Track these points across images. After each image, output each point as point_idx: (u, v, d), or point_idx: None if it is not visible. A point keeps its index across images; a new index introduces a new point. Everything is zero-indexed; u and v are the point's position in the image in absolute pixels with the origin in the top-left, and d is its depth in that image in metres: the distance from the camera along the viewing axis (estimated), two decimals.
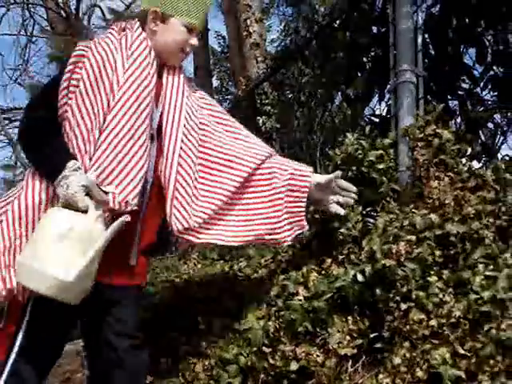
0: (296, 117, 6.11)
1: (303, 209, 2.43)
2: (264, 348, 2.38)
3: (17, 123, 9.58)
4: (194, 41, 2.18)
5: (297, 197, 2.40)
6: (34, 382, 1.99)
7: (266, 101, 6.14)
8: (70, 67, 2.02)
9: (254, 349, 2.41)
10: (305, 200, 2.42)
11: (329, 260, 2.73)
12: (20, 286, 1.90)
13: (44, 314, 1.98)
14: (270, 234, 2.38)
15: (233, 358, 2.47)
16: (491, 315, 2.17)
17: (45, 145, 1.98)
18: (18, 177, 10.00)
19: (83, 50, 2.04)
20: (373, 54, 4.84)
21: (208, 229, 2.29)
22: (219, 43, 13.42)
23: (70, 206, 1.87)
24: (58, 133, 2.02)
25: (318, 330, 2.36)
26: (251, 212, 2.36)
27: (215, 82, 11.90)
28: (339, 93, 5.24)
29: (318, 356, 2.27)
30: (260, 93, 6.19)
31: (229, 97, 11.35)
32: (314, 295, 2.40)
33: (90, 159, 1.97)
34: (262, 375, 2.34)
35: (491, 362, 2.08)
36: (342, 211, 2.55)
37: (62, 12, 8.51)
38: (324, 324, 2.36)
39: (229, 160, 2.33)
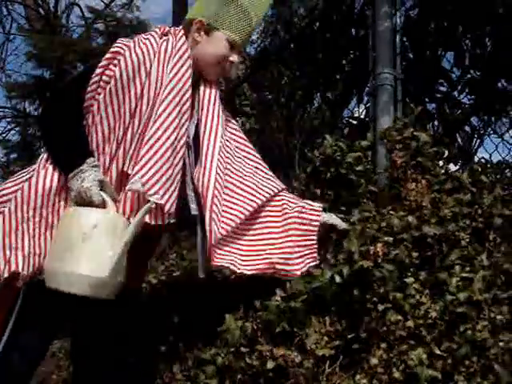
0: (275, 118, 6.11)
1: (315, 242, 2.42)
2: (241, 348, 2.37)
3: None
4: (235, 58, 2.18)
5: (307, 230, 2.38)
6: (22, 375, 1.97)
7: (246, 102, 6.15)
8: (104, 62, 1.99)
9: (232, 349, 2.40)
10: (315, 233, 2.42)
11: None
12: (24, 269, 1.89)
13: (35, 304, 1.96)
14: (282, 264, 2.36)
15: (210, 358, 2.46)
16: (467, 316, 2.19)
17: (66, 134, 1.96)
18: None
19: (121, 48, 2.02)
20: (352, 56, 4.86)
21: (223, 251, 2.30)
22: None
23: (81, 200, 1.87)
24: (80, 125, 1.99)
25: (295, 330, 2.35)
26: (264, 242, 2.36)
27: None
28: (318, 95, 5.26)
29: (295, 356, 2.27)
30: (239, 94, 6.20)
31: None
32: (291, 296, 2.40)
33: (111, 160, 1.96)
34: (240, 375, 2.34)
35: (467, 362, 2.10)
36: (343, 225, 2.54)
37: (41, 10, 8.43)
38: (301, 325, 2.36)
39: (248, 186, 2.35)
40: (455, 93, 4.90)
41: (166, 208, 2.01)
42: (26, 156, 7.60)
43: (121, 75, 1.98)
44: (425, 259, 2.48)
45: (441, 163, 2.98)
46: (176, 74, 2.03)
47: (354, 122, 4.84)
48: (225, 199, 2.25)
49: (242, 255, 2.33)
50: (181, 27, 2.19)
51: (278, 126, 5.96)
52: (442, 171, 2.90)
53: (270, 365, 2.26)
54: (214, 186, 2.15)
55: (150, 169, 1.97)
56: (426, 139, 2.93)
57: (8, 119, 9.35)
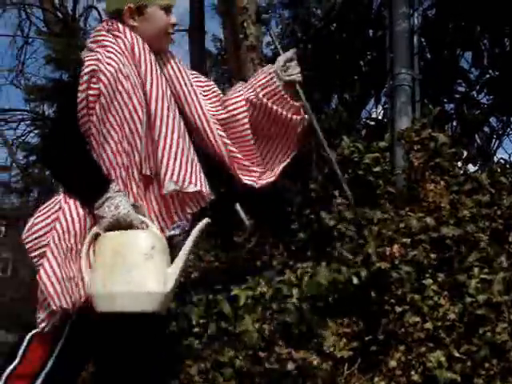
0: None
1: None
2: (259, 351, 2.37)
3: (13, 124, 9.56)
4: (173, 19, 2.18)
5: None
6: None
7: None
8: (84, 86, 1.97)
9: (250, 352, 2.40)
10: None
11: (324, 262, 2.72)
12: (81, 298, 1.92)
13: (81, 332, 1.99)
14: None
15: (228, 360, 2.46)
16: (486, 318, 2.17)
17: (77, 166, 1.97)
18: (14, 178, 9.98)
19: (94, 65, 1.99)
20: (369, 56, 4.84)
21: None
22: (215, 45, 13.40)
23: (117, 226, 1.90)
24: (87, 152, 2.00)
25: (313, 332, 2.35)
26: None
27: None
28: (335, 96, 5.25)
29: (313, 359, 2.26)
30: None
31: None
32: (309, 298, 2.40)
33: (126, 171, 1.98)
34: (257, 378, 2.34)
35: (486, 365, 2.09)
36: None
37: (59, 13, 8.50)
38: (319, 327, 2.36)
39: None
40: (474, 93, 4.87)
41: (204, 190, 2.11)
42: None
43: (106, 88, 1.97)
44: (443, 260, 2.46)
45: (459, 164, 2.96)
46: (147, 65, 2.05)
47: (372, 123, 4.82)
48: None
49: None
50: (114, 22, 2.12)
51: None
52: (461, 172, 2.88)
53: (290, 366, 2.25)
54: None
55: (173, 166, 2.01)
56: (445, 140, 2.91)
57: (27, 122, 9.45)
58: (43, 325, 1.98)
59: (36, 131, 9.03)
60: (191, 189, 2.03)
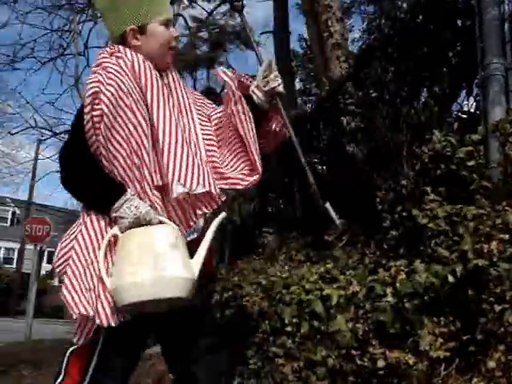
0: (381, 115, 6.00)
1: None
2: (352, 350, 2.35)
3: None
4: (175, 31, 2.24)
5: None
6: None
7: (350, 100, 6.08)
8: (88, 108, 2.04)
9: (343, 351, 2.39)
10: None
11: (418, 260, 2.67)
12: (108, 307, 1.96)
13: (114, 345, 2.06)
14: None
15: (321, 360, 2.45)
16: None
17: (93, 181, 2.08)
18: None
19: (96, 87, 2.05)
20: (458, 47, 4.69)
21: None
22: (301, 45, 13.43)
23: (137, 225, 1.99)
24: (100, 169, 2.07)
25: (408, 331, 2.30)
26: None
27: (298, 85, 11.91)
28: (425, 89, 5.12)
29: (409, 358, 2.22)
30: (343, 93, 6.14)
31: (312, 98, 11.33)
32: (403, 296, 2.35)
33: (140, 183, 2.04)
34: (351, 377, 2.32)
35: None
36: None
37: None
38: (415, 326, 2.31)
39: None
40: None
41: (213, 192, 2.09)
42: None
43: (108, 108, 2.02)
44: None
45: None
46: (147, 79, 2.09)
47: (464, 116, 4.67)
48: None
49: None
50: (116, 46, 2.18)
51: (384, 124, 5.86)
52: None
53: (380, 363, 2.22)
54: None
55: (180, 170, 2.04)
56: None
57: None
58: (76, 338, 2.06)
59: None
60: (199, 190, 2.03)
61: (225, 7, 8.52)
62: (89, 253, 2.04)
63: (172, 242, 1.95)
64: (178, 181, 2.03)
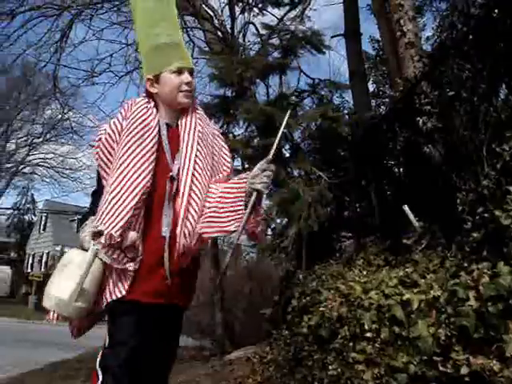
0: (458, 114, 5.85)
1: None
2: (435, 356, 2.29)
3: None
4: (186, 77, 2.46)
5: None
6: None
7: (425, 100, 5.95)
8: (96, 156, 2.46)
9: (424, 357, 2.33)
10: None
11: (501, 262, 2.58)
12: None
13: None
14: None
15: (402, 366, 2.41)
16: None
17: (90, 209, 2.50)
18: None
19: (99, 135, 2.45)
20: None
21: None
22: (373, 47, 13.27)
23: (82, 244, 2.33)
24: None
25: (492, 337, 2.22)
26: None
27: (371, 87, 11.76)
28: (503, 85, 4.95)
29: (493, 365, 2.14)
30: (418, 93, 6.02)
31: (386, 100, 11.16)
32: (487, 300, 2.27)
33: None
34: None
35: None
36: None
37: (219, 32, 8.86)
38: (499, 331, 2.23)
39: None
40: None
41: (106, 231, 2.26)
42: None
43: (103, 153, 2.43)
44: None
45: None
46: (131, 126, 2.41)
47: None
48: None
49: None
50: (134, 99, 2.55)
51: (461, 123, 5.70)
52: None
53: (464, 370, 2.16)
54: (186, 206, 2.35)
55: (104, 209, 2.32)
56: None
57: None
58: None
59: None
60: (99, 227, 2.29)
61: (295, 12, 8.54)
62: None
63: (64, 263, 2.32)
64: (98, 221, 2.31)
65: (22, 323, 19.52)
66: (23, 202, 40.62)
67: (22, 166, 35.20)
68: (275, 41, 7.67)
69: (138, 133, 2.38)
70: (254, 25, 8.72)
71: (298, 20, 8.31)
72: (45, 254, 35.42)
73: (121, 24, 10.12)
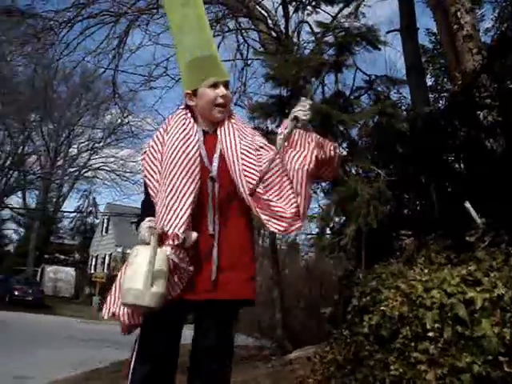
0: None
1: None
2: (500, 356, 2.24)
3: None
4: (222, 90, 2.58)
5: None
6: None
7: (485, 94, 5.81)
8: (143, 168, 2.63)
9: (489, 357, 2.28)
10: None
11: None
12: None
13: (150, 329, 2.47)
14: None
15: (466, 366, 2.36)
16: None
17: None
18: None
19: (145, 148, 2.65)
20: None
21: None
22: (430, 40, 13.02)
23: (143, 241, 2.42)
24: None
25: None
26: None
27: (429, 81, 11.55)
28: None
29: None
30: (478, 86, 5.89)
31: (444, 94, 10.94)
32: None
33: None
34: None
35: None
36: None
37: (273, 32, 8.88)
38: None
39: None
40: None
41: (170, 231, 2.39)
42: None
43: (149, 165, 2.59)
44: None
45: None
46: (171, 136, 2.58)
47: None
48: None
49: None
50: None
51: None
52: None
53: None
54: (246, 193, 2.49)
55: (161, 209, 2.47)
56: None
57: None
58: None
59: None
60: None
61: (349, 9, 8.46)
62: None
63: (130, 259, 2.41)
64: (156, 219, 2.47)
65: (86, 323, 20.06)
66: (85, 205, 41.84)
67: (84, 170, 36.26)
68: (330, 39, 7.61)
69: (181, 141, 2.54)
70: (308, 23, 8.69)
71: (352, 17, 8.23)
72: (107, 256, 36.30)
73: None
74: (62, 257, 40.86)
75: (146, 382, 2.46)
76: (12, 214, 39.95)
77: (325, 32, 7.73)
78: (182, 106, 2.71)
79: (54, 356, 8.65)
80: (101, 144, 35.56)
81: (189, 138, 2.56)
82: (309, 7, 8.46)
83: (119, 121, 30.62)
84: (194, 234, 2.39)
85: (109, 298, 2.52)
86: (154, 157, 2.58)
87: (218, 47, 10.44)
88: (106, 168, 35.66)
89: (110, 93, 12.58)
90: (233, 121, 2.67)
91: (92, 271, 36.71)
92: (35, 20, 10.07)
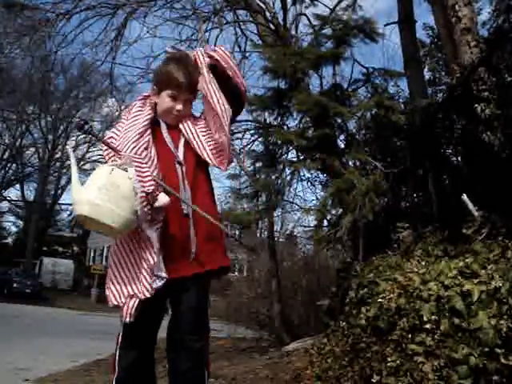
0: None
1: None
2: (496, 348, 2.26)
3: (239, 135, 10.20)
4: (179, 107, 2.72)
5: None
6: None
7: (483, 87, 5.81)
8: (105, 153, 2.75)
9: (486, 349, 2.30)
10: None
11: None
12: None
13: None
14: None
15: (463, 358, 2.38)
16: None
17: None
18: (243, 184, 10.62)
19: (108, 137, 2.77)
20: None
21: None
22: (428, 34, 12.99)
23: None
24: None
25: None
26: None
27: (427, 74, 11.53)
28: None
29: None
30: (476, 79, 5.89)
31: (443, 87, 10.93)
32: None
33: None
34: (495, 377, 2.22)
35: None
36: None
37: (271, 25, 8.87)
38: None
39: None
40: None
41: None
42: (270, 163, 8.02)
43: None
44: None
45: None
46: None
47: None
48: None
49: None
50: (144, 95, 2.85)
51: None
52: None
53: None
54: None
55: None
56: None
57: (251, 131, 10.00)
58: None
59: (260, 139, 9.52)
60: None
61: (347, 2, 8.46)
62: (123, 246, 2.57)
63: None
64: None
65: (85, 315, 20.12)
66: None
67: (82, 163, 36.17)
68: (328, 31, 7.61)
69: (135, 126, 2.68)
70: (306, 16, 8.69)
71: (350, 9, 8.23)
72: (106, 248, 36.29)
73: (174, 21, 10.23)
74: (61, 249, 40.92)
75: (133, 368, 2.55)
76: (10, 207, 40.00)
77: (323, 24, 7.73)
78: (143, 95, 2.83)
79: (53, 348, 8.67)
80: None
81: (143, 126, 2.69)
82: (307, 0, 8.46)
83: (117, 113, 30.58)
84: (166, 197, 2.47)
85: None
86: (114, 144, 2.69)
87: (216, 40, 10.46)
88: (104, 161, 35.60)
89: (108, 85, 12.58)
90: (192, 118, 2.79)
91: (90, 263, 36.72)
92: (32, 11, 10.03)
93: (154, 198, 2.45)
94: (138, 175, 2.48)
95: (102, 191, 2.36)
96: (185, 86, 2.72)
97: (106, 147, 2.71)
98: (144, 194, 2.44)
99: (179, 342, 2.54)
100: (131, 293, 2.48)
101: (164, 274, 2.47)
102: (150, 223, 2.48)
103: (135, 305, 2.46)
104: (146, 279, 2.46)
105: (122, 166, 2.49)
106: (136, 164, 2.52)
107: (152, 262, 2.46)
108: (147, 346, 2.61)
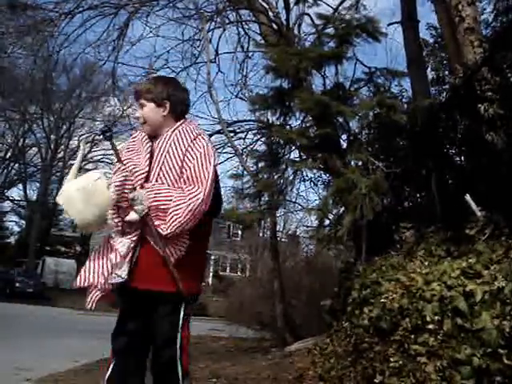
0: None
1: None
2: (499, 349, 2.25)
3: (241, 134, 10.18)
4: (135, 114, 2.97)
5: None
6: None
7: (487, 86, 5.79)
8: None
9: (489, 349, 2.29)
10: None
11: None
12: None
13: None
14: None
15: (466, 358, 2.36)
16: None
17: None
18: (245, 184, 10.61)
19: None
20: None
21: None
22: (431, 34, 12.96)
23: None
24: None
25: None
26: None
27: (430, 74, 11.51)
28: None
29: None
30: (479, 79, 5.87)
31: (445, 87, 10.91)
32: None
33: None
34: (498, 377, 2.21)
35: None
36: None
37: (274, 25, 8.85)
38: None
39: None
40: None
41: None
42: (272, 163, 8.01)
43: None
44: None
45: None
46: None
47: None
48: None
49: None
50: None
51: None
52: None
53: None
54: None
55: None
56: None
57: (254, 131, 9.99)
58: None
59: (262, 139, 9.51)
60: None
61: (350, 1, 8.44)
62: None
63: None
64: None
65: (86, 315, 20.10)
66: None
67: (84, 163, 36.18)
68: (331, 31, 7.59)
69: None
70: (309, 15, 8.65)
71: (353, 9, 8.21)
72: None
73: (177, 20, 10.21)
74: (63, 249, 40.90)
75: (124, 352, 2.75)
76: (13, 206, 40.01)
77: (325, 24, 7.71)
78: None
79: (54, 347, 8.67)
80: (101, 136, 35.48)
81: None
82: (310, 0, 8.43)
83: (119, 113, 30.63)
84: (135, 215, 2.60)
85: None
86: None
87: (219, 39, 10.46)
88: (107, 160, 35.56)
89: (110, 85, 12.56)
90: (174, 136, 2.80)
91: None
92: (35, 11, 10.04)
93: (124, 212, 2.64)
94: (121, 187, 2.64)
95: (80, 191, 2.64)
96: (136, 94, 2.90)
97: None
98: (115, 208, 2.64)
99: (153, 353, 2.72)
100: (91, 280, 2.73)
101: (123, 274, 2.67)
102: (121, 234, 2.69)
103: (98, 295, 2.74)
104: (104, 274, 2.70)
105: (110, 176, 2.69)
106: (124, 175, 2.68)
107: (114, 262, 2.68)
108: (138, 335, 2.75)
